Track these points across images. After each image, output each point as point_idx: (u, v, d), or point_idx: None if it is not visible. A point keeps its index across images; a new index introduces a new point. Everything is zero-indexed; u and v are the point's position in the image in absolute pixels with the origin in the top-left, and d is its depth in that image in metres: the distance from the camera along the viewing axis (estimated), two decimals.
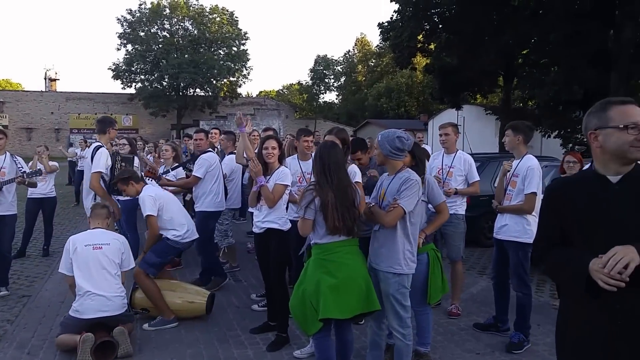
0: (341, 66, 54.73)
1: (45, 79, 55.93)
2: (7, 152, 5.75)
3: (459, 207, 4.87)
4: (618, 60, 14.38)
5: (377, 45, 54.16)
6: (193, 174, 5.74)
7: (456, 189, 4.82)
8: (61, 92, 51.35)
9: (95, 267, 4.01)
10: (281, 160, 4.31)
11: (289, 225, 4.20)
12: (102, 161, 5.14)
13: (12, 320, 4.84)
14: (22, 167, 5.77)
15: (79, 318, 3.92)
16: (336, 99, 59.52)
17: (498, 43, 17.03)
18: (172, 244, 4.68)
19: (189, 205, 6.56)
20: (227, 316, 4.90)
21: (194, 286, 4.97)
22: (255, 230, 4.29)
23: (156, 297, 4.57)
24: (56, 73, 58.15)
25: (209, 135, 6.38)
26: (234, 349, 4.14)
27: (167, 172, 6.36)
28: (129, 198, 6.33)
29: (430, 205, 3.77)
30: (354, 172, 4.01)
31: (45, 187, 7.50)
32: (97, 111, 48.49)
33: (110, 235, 4.29)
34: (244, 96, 54.62)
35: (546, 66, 19.46)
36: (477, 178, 4.91)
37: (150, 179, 5.90)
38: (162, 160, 6.91)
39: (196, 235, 4.91)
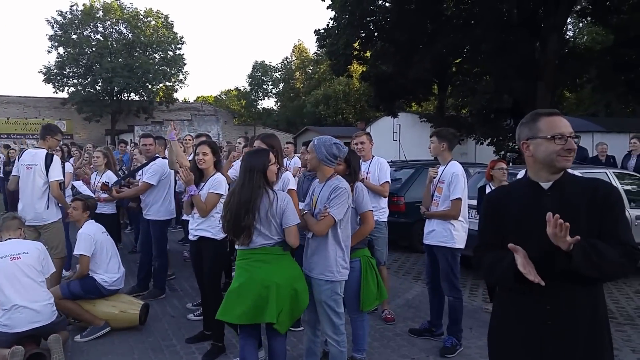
0: (279, 72, 54.82)
1: None
2: None
3: (381, 214, 4.87)
4: (544, 70, 15.07)
5: (315, 52, 54.64)
6: (145, 180, 5.65)
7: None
8: None
9: (18, 277, 3.82)
10: (218, 166, 4.25)
11: (223, 234, 4.12)
12: (59, 169, 5.27)
13: None
14: None
15: (9, 332, 3.72)
16: (275, 105, 59.50)
17: (432, 52, 17.47)
18: (99, 286, 4.57)
19: (133, 213, 6.39)
20: (162, 326, 4.82)
21: (127, 296, 4.88)
22: (190, 237, 4.25)
23: (77, 313, 4.49)
24: None
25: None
26: (169, 359, 4.07)
27: (117, 182, 6.20)
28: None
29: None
30: (287, 179, 3.98)
31: None
32: (27, 115, 46.02)
33: (26, 243, 4.10)
34: (180, 101, 53.48)
35: (478, 75, 20.14)
36: (387, 179, 4.84)
37: (104, 192, 5.74)
38: (92, 167, 6.64)
39: (122, 286, 4.83)
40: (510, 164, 5.83)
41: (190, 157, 8.15)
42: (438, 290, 4.45)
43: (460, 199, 4.16)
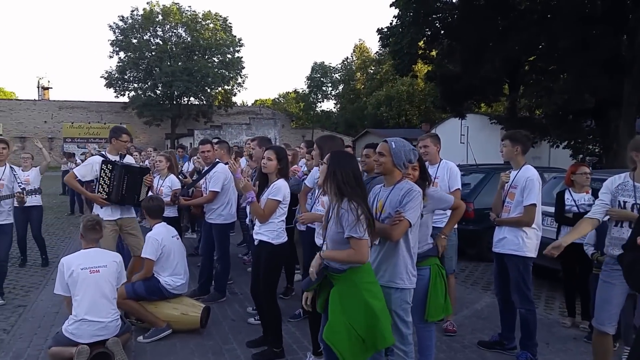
0: (339, 74, 55.07)
1: (38, 87, 56.46)
2: (7, 164, 5.97)
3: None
4: (632, 67, 14.24)
5: (377, 51, 54.50)
6: (211, 189, 5.92)
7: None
8: (54, 100, 51.82)
9: (92, 292, 4.07)
10: (282, 173, 4.27)
11: (282, 239, 4.26)
12: (81, 167, 5.59)
13: (8, 330, 5.00)
14: (20, 181, 5.99)
15: (74, 340, 4.01)
16: (334, 107, 59.82)
17: (503, 49, 16.95)
18: (162, 288, 4.84)
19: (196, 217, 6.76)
20: (223, 329, 5.02)
21: (189, 299, 5.11)
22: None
23: (140, 313, 4.75)
24: (49, 81, 58.95)
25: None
26: None
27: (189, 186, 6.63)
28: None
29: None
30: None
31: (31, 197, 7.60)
32: (90, 120, 48.95)
33: (105, 255, 4.34)
34: (238, 105, 54.92)
35: (554, 73, 19.27)
36: (458, 186, 4.73)
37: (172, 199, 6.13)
38: (155, 170, 6.98)
39: (185, 290, 5.09)
40: (591, 168, 5.61)
41: (244, 162, 8.54)
42: (509, 302, 4.35)
43: (534, 205, 4.08)
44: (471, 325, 5.15)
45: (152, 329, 4.74)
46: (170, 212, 6.41)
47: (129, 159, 5.87)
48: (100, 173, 5.29)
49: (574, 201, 5.19)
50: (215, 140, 6.61)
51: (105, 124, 49.15)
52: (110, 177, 5.29)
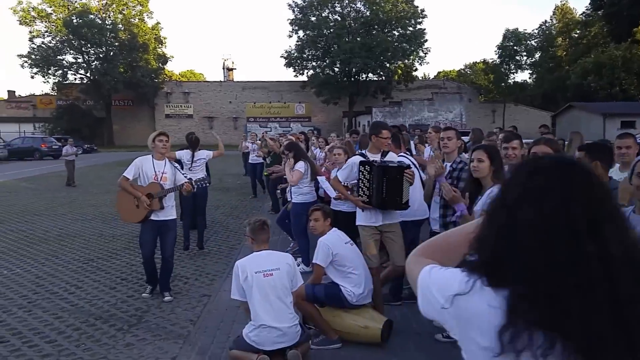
0: (536, 40, 50.87)
1: (223, 68, 62.73)
2: (167, 159, 6.23)
3: None
4: None
5: (583, 12, 49.08)
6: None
7: None
8: (238, 81, 57.07)
9: (268, 296, 4.14)
10: (497, 176, 3.78)
11: None
12: (343, 170, 5.63)
13: (194, 321, 5.42)
14: (184, 172, 6.34)
15: (255, 347, 4.13)
16: (529, 78, 55.57)
17: None
18: (343, 297, 4.77)
19: None
20: (407, 344, 4.80)
21: (371, 310, 4.96)
22: None
23: (315, 319, 4.73)
24: (233, 63, 65.02)
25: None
26: None
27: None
28: (299, 202, 6.66)
29: None
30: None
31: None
32: (271, 100, 52.76)
33: (278, 257, 4.40)
34: (420, 79, 54.17)
35: None
36: None
37: (337, 191, 6.12)
38: (335, 164, 7.00)
39: (368, 301, 4.93)
40: None
41: (428, 151, 8.15)
42: None
43: None
44: None
45: (322, 337, 4.72)
46: (348, 206, 6.40)
47: (391, 156, 5.49)
48: (359, 175, 5.20)
49: None
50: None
51: (285, 103, 52.48)
52: (370, 180, 5.13)
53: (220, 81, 58.04)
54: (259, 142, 14.02)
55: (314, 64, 48.30)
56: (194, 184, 6.08)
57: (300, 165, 7.10)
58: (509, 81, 50.66)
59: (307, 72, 48.93)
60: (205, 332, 5.11)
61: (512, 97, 50.32)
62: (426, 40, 46.24)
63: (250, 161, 14.93)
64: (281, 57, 49.09)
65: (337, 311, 4.81)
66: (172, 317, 5.52)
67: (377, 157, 5.28)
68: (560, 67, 49.89)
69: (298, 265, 4.76)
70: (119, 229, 10.27)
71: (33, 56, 48.66)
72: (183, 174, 6.24)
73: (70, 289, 6.43)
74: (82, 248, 8.69)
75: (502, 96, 50.24)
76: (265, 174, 11.16)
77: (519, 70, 50.63)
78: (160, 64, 53.31)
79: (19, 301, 6.02)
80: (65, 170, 18.69)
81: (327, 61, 46.42)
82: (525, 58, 49.42)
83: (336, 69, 46.55)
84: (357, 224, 5.31)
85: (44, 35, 49.67)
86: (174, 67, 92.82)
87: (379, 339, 4.64)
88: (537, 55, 50.99)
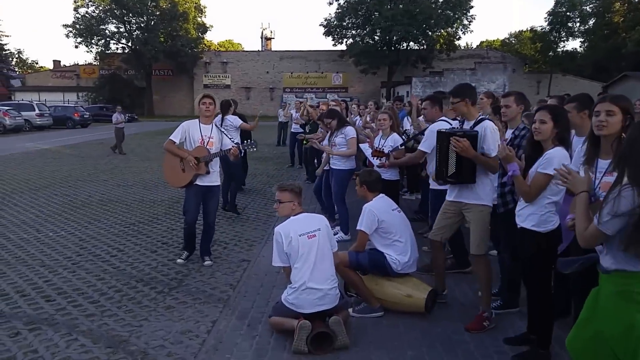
0: (590, 5, 48.65)
1: (261, 38, 62.40)
2: (214, 124, 6.15)
3: None
4: None
5: None
6: (418, 147, 5.62)
7: None
8: (275, 51, 56.86)
9: (313, 258, 4.09)
10: (560, 138, 3.54)
11: (550, 226, 3.59)
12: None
13: (234, 285, 5.43)
14: (231, 136, 6.28)
15: (295, 311, 4.09)
16: (580, 47, 53.37)
17: None
18: (387, 265, 4.67)
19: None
20: (452, 314, 4.68)
21: (414, 279, 4.84)
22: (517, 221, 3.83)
23: (357, 286, 4.65)
24: (271, 32, 64.71)
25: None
26: (462, 358, 3.90)
27: (396, 148, 6.30)
28: (340, 168, 6.63)
29: None
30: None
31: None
32: (308, 69, 52.43)
33: (316, 219, 4.36)
34: (462, 48, 52.84)
35: None
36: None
37: (378, 158, 5.95)
38: (379, 130, 6.85)
39: (413, 270, 4.79)
40: None
41: (406, 126, 7.91)
42: None
43: None
44: None
45: (364, 305, 4.66)
46: (391, 174, 6.28)
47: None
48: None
49: None
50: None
51: (322, 73, 52.07)
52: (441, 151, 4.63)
53: (258, 51, 57.95)
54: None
55: (353, 32, 47.53)
56: (241, 148, 6.00)
57: (352, 131, 7.02)
58: (558, 50, 48.81)
59: (346, 41, 48.23)
60: (245, 296, 5.11)
61: (560, 67, 48.54)
62: (472, 7, 44.87)
63: (292, 130, 14.94)
64: (320, 25, 48.52)
65: (380, 279, 4.72)
66: (212, 281, 5.54)
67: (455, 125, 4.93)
68: (616, 34, 47.61)
69: (336, 234, 4.67)
70: (159, 195, 10.43)
71: (77, 26, 49.44)
72: (230, 138, 6.16)
73: (112, 252, 6.54)
74: (123, 213, 8.84)
75: (548, 66, 48.53)
76: (304, 142, 11.07)
77: (570, 37, 48.68)
78: (199, 34, 53.42)
79: (63, 262, 6.15)
80: (113, 137, 18.96)
81: (367, 29, 45.59)
82: (578, 25, 47.43)
83: (376, 38, 45.71)
84: None
85: (87, 4, 50.27)
86: (213, 37, 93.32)
87: (422, 309, 4.53)
88: (591, 22, 48.86)
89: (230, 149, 5.90)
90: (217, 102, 6.14)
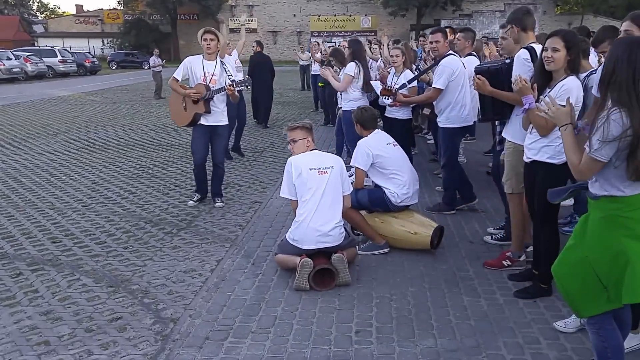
0: None
1: None
2: (219, 58, 5.91)
3: None
4: None
5: None
6: (433, 85, 5.51)
7: None
8: None
9: (318, 194, 4.04)
10: (572, 66, 3.36)
11: (564, 157, 3.40)
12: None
13: (243, 225, 5.42)
14: (230, 73, 5.80)
15: (298, 247, 4.06)
16: None
17: None
18: (387, 200, 4.62)
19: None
20: (458, 252, 4.61)
21: (420, 216, 4.77)
22: (524, 159, 3.72)
23: (360, 225, 4.63)
24: None
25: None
26: (464, 296, 3.83)
27: (403, 86, 6.08)
28: (349, 108, 6.49)
29: None
30: None
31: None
32: (336, 12, 51.14)
33: (330, 157, 4.31)
34: None
35: None
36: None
37: (387, 97, 5.80)
38: (392, 67, 6.65)
39: (414, 202, 4.78)
40: None
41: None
42: None
43: None
44: None
45: (369, 242, 4.65)
46: (403, 113, 6.14)
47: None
48: None
49: None
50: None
51: (350, 16, 50.77)
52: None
53: None
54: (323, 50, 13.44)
55: None
56: (234, 85, 5.63)
57: (351, 68, 6.70)
58: None
59: None
60: (253, 236, 5.11)
61: (593, 7, 46.45)
62: None
63: (312, 73, 14.71)
64: None
65: (385, 216, 4.66)
66: (222, 222, 5.54)
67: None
68: None
69: (350, 176, 4.58)
70: (177, 139, 10.44)
71: None
72: (228, 75, 5.78)
73: (124, 194, 6.58)
74: (139, 156, 8.88)
75: (580, 7, 46.47)
76: (320, 84, 10.84)
77: None
78: None
79: (74, 205, 6.20)
80: (141, 83, 18.98)
81: None
82: None
83: None
84: None
85: None
86: None
87: (428, 246, 4.46)
88: None
89: (224, 88, 5.62)
90: (220, 38, 5.89)
